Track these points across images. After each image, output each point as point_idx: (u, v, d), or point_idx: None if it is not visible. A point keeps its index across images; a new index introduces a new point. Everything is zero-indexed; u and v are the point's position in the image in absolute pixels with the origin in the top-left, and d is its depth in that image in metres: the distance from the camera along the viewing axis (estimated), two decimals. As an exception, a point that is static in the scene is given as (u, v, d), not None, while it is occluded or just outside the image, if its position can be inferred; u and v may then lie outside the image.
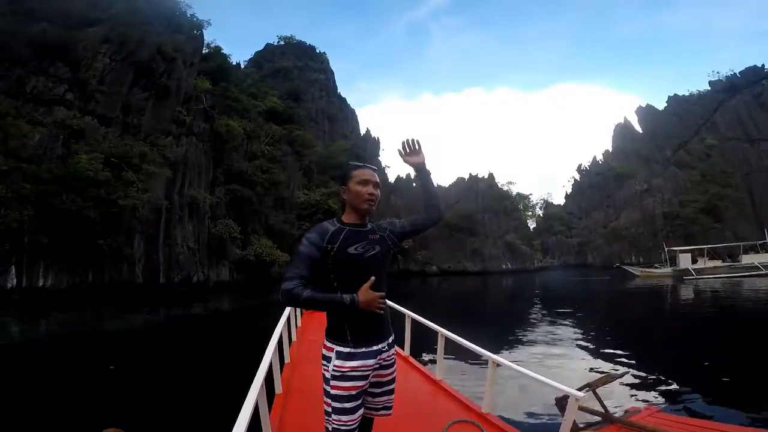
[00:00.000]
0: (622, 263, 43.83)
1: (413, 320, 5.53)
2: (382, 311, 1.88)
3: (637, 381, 7.26)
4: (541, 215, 67.27)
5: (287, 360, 5.23)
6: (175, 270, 27.08)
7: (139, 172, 24.72)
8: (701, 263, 34.51)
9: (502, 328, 13.76)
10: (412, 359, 5.50)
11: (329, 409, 1.90)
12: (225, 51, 50.70)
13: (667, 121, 69.12)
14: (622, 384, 6.76)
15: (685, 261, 34.61)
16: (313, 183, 43.41)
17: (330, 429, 1.91)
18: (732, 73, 69.11)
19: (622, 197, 61.36)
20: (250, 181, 34.42)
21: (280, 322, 4.81)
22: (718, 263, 34.75)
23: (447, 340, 4.46)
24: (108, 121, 28.54)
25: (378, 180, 2.02)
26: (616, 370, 7.72)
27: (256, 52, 69.69)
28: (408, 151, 2.18)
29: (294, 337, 6.62)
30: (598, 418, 3.82)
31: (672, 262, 36.26)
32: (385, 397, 2.07)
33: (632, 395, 6.48)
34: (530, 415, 5.53)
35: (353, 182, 1.97)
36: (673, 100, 71.91)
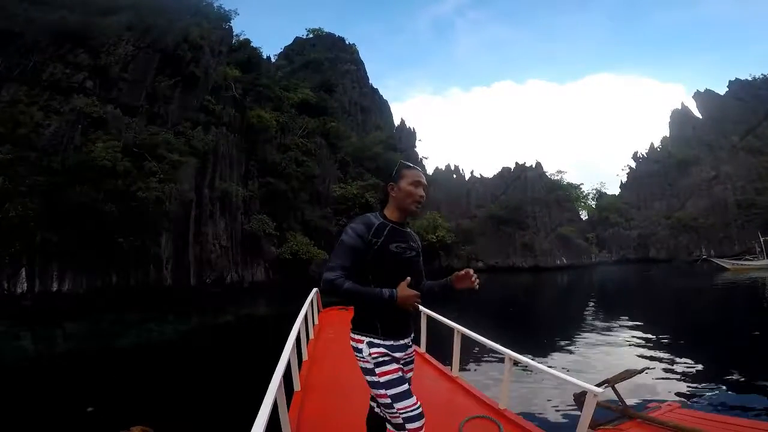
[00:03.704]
0: (709, 256, 38.91)
1: (429, 317, 5.42)
2: (416, 310, 1.91)
3: (672, 377, 6.92)
4: (594, 206, 61.65)
5: (305, 357, 5.13)
6: (206, 270, 24.37)
7: (163, 161, 22.08)
8: None
9: (561, 338, 11.37)
10: (428, 356, 5.31)
11: (388, 401, 1.79)
12: (254, 45, 48.38)
13: (731, 105, 62.74)
14: (655, 378, 6.60)
15: None
16: (349, 176, 40.34)
17: (400, 421, 1.79)
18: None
19: (687, 185, 55.57)
20: (284, 174, 31.57)
21: (297, 319, 4.54)
22: None
23: (464, 336, 4.35)
24: (132, 111, 26.29)
25: (426, 183, 2.07)
26: (651, 366, 7.10)
27: (286, 46, 67.53)
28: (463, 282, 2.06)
29: (312, 335, 6.60)
30: (617, 414, 3.76)
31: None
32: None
33: (670, 391, 6.14)
34: (548, 411, 5.31)
35: (406, 182, 1.96)
36: (736, 84, 65.31)
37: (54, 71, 23.78)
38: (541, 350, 9.08)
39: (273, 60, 61.06)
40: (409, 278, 1.83)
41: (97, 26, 26.31)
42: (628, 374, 3.98)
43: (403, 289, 1.81)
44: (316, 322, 7.76)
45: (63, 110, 22.33)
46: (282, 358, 2.91)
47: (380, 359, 1.85)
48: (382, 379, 1.82)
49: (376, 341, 1.88)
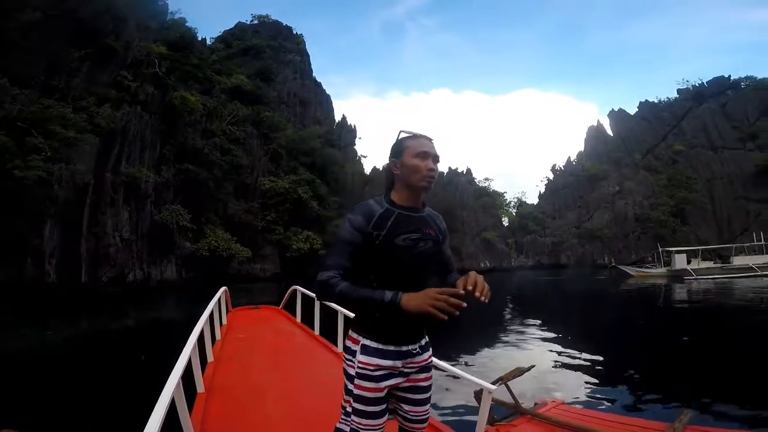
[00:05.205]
0: (612, 263, 41.12)
1: (346, 317, 4.80)
2: (451, 316, 1.32)
3: (564, 374, 7.14)
4: (515, 214, 63.66)
5: (210, 359, 4.56)
6: (103, 266, 20.57)
7: (54, 138, 18.11)
8: (694, 264, 32.48)
9: (475, 337, 11.36)
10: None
11: (349, 409, 1.58)
12: (190, 26, 43.44)
13: (638, 125, 67.42)
14: (550, 375, 6.84)
15: (680, 261, 32.47)
16: (281, 169, 37.29)
17: (348, 430, 1.59)
18: (700, 82, 68.24)
19: (595, 198, 58.83)
20: (206, 161, 27.87)
21: (201, 317, 3.99)
22: (710, 264, 32.98)
23: None
24: (26, 82, 21.67)
25: (438, 154, 1.63)
26: (547, 363, 7.63)
27: (225, 31, 61.29)
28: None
29: (218, 336, 5.85)
30: (512, 410, 3.90)
31: (666, 263, 34.18)
32: (427, 406, 1.69)
33: (560, 388, 6.26)
34: (455, 408, 5.31)
35: (409, 154, 1.59)
36: (644, 105, 70.20)
37: None
38: (453, 350, 8.72)
39: (209, 43, 55.67)
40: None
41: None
42: (519, 372, 4.04)
43: (415, 294, 1.37)
44: (224, 322, 7.01)
45: None
46: (181, 356, 2.52)
47: (367, 373, 1.53)
48: (355, 391, 1.54)
49: (373, 346, 1.54)
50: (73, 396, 6.13)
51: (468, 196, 48.87)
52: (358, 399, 1.54)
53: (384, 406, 1.58)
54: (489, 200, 51.88)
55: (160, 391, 1.96)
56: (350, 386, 1.57)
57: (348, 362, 1.59)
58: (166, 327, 13.87)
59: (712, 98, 65.17)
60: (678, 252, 33.50)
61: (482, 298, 1.39)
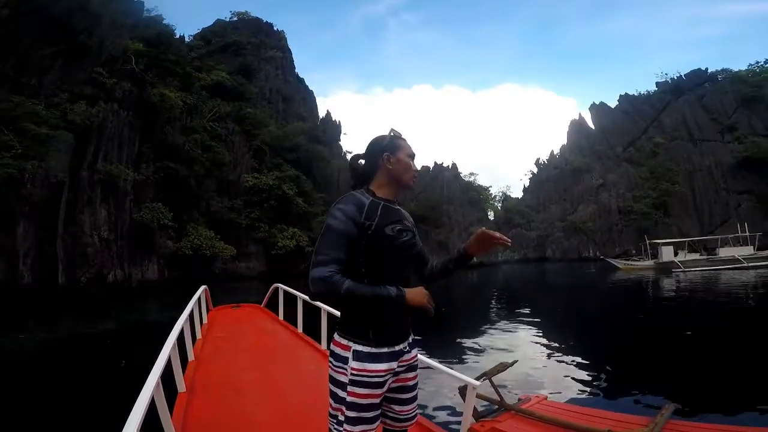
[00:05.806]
0: (598, 256, 41.59)
1: (330, 314, 4.83)
2: (431, 314, 1.52)
3: (548, 370, 7.08)
4: (500, 208, 64.00)
5: (191, 358, 4.49)
6: (81, 267, 19.96)
7: (25, 135, 17.46)
8: (681, 256, 32.94)
9: (462, 333, 11.20)
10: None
11: (341, 417, 1.50)
12: (168, 23, 42.38)
13: (619, 118, 68.30)
14: (535, 371, 6.84)
15: (667, 254, 32.87)
16: (265, 166, 36.77)
17: None
18: (678, 75, 69.47)
19: (579, 191, 59.52)
20: (187, 159, 27.25)
21: (181, 316, 3.97)
22: (696, 256, 33.41)
23: None
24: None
25: None
26: (531, 358, 7.66)
27: (204, 28, 60.11)
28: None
29: (199, 335, 5.79)
30: (497, 406, 3.89)
31: (653, 255, 34.69)
32: (414, 404, 1.69)
33: (545, 382, 6.27)
34: (440, 405, 5.25)
35: (404, 153, 1.65)
36: (624, 98, 71.12)
37: None
38: (437, 346, 8.63)
39: (188, 40, 54.37)
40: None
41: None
42: (502, 367, 4.06)
43: (413, 289, 1.51)
44: (205, 321, 6.89)
45: None
46: (161, 355, 2.50)
47: (362, 379, 1.47)
48: (349, 398, 1.48)
49: (366, 351, 1.49)
50: (48, 401, 5.89)
51: (454, 191, 48.96)
52: (352, 406, 1.48)
53: (378, 411, 1.55)
54: (475, 195, 52.05)
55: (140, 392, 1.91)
56: (341, 394, 1.51)
57: (338, 369, 1.52)
58: (148, 329, 13.49)
59: (690, 91, 66.41)
60: (665, 244, 33.74)
61: (508, 242, 1.60)
